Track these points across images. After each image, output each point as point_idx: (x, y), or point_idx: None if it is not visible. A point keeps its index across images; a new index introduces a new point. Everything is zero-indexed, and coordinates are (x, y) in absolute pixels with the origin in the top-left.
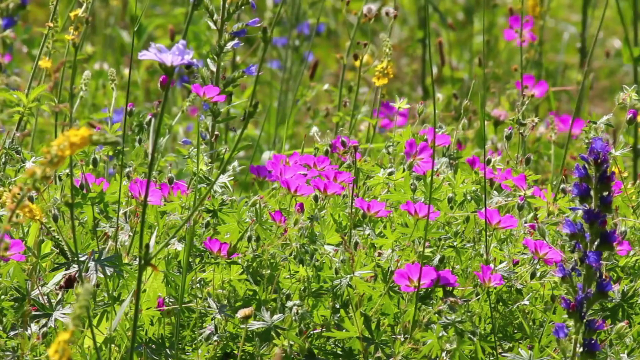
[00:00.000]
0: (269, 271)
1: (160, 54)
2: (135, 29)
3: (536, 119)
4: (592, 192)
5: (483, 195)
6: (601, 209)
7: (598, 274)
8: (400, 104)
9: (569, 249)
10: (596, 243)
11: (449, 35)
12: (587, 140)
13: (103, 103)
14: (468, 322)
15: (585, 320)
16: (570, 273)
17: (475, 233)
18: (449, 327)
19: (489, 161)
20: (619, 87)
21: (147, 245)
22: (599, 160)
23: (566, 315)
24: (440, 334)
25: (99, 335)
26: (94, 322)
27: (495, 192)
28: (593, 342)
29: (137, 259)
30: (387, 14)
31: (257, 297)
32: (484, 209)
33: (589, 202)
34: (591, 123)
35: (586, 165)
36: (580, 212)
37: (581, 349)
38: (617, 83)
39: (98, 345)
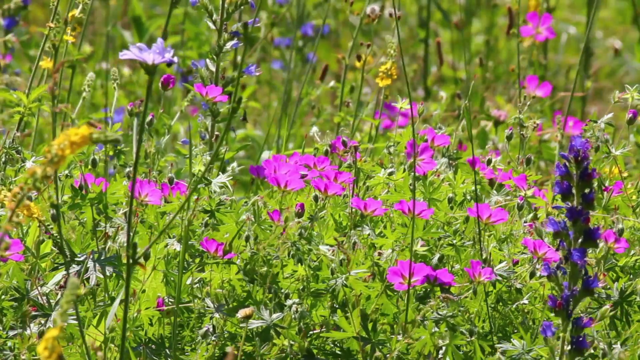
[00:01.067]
0: (265, 269)
1: (140, 52)
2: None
3: (538, 121)
4: (574, 190)
5: (481, 194)
6: (583, 206)
7: (583, 272)
8: (402, 104)
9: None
10: (580, 240)
11: (452, 35)
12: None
13: (102, 103)
14: (460, 317)
15: (572, 318)
16: (555, 271)
17: (475, 233)
18: (441, 322)
19: (489, 161)
20: (618, 87)
21: (135, 245)
22: (579, 158)
23: (553, 314)
24: (433, 330)
25: (98, 335)
26: (94, 322)
27: (494, 191)
28: (581, 339)
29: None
30: (390, 15)
31: (253, 296)
32: (475, 206)
33: (572, 200)
34: (592, 122)
35: (567, 163)
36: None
37: (569, 347)
38: (617, 83)
39: (98, 345)
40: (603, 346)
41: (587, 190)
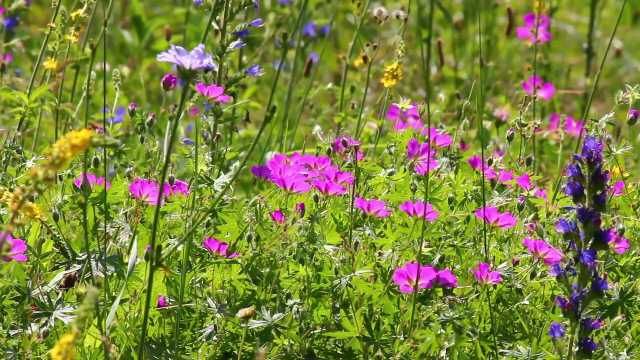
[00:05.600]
0: (268, 270)
1: (179, 56)
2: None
3: (539, 122)
4: (585, 191)
5: (483, 195)
6: (595, 208)
7: (593, 273)
8: (404, 105)
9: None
10: (590, 242)
11: (453, 35)
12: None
13: (102, 103)
14: (466, 319)
15: (580, 320)
16: (565, 272)
17: (476, 233)
18: (447, 324)
19: (490, 161)
20: (618, 86)
21: (160, 247)
22: (592, 159)
23: (562, 315)
24: (439, 332)
25: (99, 335)
26: (94, 322)
27: (496, 192)
28: (589, 341)
29: (145, 258)
30: (397, 16)
31: (256, 296)
32: (482, 208)
33: (583, 201)
34: (593, 122)
35: (579, 165)
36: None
37: (577, 348)
38: (616, 83)
39: (98, 344)
40: (612, 357)
41: (598, 192)
